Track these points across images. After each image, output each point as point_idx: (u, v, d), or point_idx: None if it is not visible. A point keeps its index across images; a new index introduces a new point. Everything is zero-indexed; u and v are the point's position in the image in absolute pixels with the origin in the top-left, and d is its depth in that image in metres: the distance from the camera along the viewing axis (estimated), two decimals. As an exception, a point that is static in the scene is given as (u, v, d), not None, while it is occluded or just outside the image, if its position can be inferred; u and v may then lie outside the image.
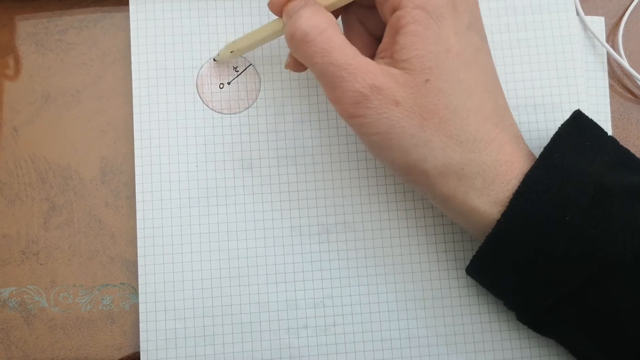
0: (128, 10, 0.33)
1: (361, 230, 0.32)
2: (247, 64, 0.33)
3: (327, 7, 0.27)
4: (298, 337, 0.31)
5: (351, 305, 0.31)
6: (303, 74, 0.33)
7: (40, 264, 0.31)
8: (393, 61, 0.25)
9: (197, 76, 0.32)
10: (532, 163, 0.26)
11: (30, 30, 0.33)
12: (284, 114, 0.32)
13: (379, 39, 0.27)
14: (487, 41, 0.28)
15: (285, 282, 0.31)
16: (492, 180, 0.25)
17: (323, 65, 0.25)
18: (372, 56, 0.27)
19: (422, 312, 0.31)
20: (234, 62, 0.33)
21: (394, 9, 0.25)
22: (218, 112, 0.32)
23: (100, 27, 0.33)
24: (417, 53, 0.24)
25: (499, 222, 0.25)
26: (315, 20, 0.25)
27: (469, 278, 0.31)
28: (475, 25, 0.26)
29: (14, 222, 0.32)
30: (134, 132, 0.32)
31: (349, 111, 0.25)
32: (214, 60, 0.32)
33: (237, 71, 0.33)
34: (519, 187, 0.25)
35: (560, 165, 0.25)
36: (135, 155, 0.32)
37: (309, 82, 0.33)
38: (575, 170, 0.25)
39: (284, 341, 0.31)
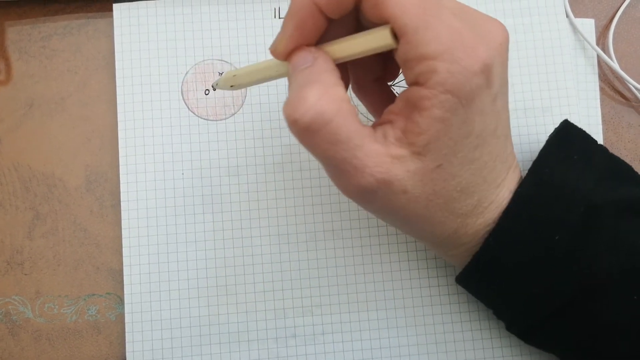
0: (112, 16, 0.32)
1: (349, 238, 0.31)
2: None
3: (337, 60, 0.23)
4: (287, 346, 0.30)
5: (340, 313, 0.31)
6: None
7: (25, 274, 0.31)
8: (406, 142, 0.22)
9: (182, 82, 0.32)
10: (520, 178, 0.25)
11: (13, 37, 0.33)
12: (270, 120, 0.32)
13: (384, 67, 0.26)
14: (507, 85, 0.25)
15: (273, 291, 0.31)
16: (485, 207, 0.25)
17: (327, 158, 0.22)
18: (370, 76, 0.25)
19: (411, 319, 0.31)
20: (219, 67, 0.32)
21: (416, 82, 0.22)
22: (204, 119, 0.32)
23: (85, 33, 0.33)
24: (436, 141, 0.22)
25: (487, 240, 0.25)
26: (322, 106, 0.21)
27: (459, 287, 0.30)
28: (502, 87, 0.24)
29: (-2, 231, 0.31)
30: (119, 140, 0.31)
31: (353, 198, 0.24)
32: (213, 88, 0.31)
33: (223, 77, 0.32)
34: (508, 205, 0.24)
35: (550, 181, 0.25)
36: (120, 163, 0.31)
37: (296, 88, 0.32)
38: (566, 187, 0.25)
39: (273, 350, 0.30)
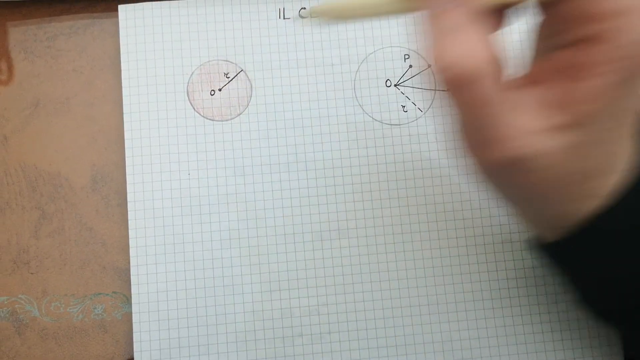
0: (117, 16, 0.32)
1: (355, 237, 0.31)
2: (239, 70, 0.32)
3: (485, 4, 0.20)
4: (293, 346, 0.30)
5: (346, 312, 0.31)
6: (295, 77, 0.32)
7: (31, 273, 0.31)
8: (565, 111, 0.19)
9: (188, 83, 0.32)
10: None
11: (19, 37, 0.33)
12: (275, 120, 0.32)
13: None
14: None
15: (280, 290, 0.31)
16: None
17: (470, 118, 0.20)
18: None
19: (417, 318, 0.31)
20: (224, 68, 0.32)
21: (586, 40, 0.19)
22: (209, 119, 0.32)
23: (90, 33, 0.33)
24: (602, 112, 0.19)
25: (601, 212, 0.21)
26: (472, 61, 0.19)
27: (464, 284, 0.31)
28: None
29: (4, 231, 0.31)
30: (125, 140, 0.31)
31: (486, 170, 0.22)
32: (300, 15, 0.26)
33: (228, 77, 0.32)
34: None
35: None
36: (126, 163, 0.31)
37: (300, 88, 0.32)
38: None
39: (279, 350, 0.30)
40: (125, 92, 0.32)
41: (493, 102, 0.19)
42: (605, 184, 0.21)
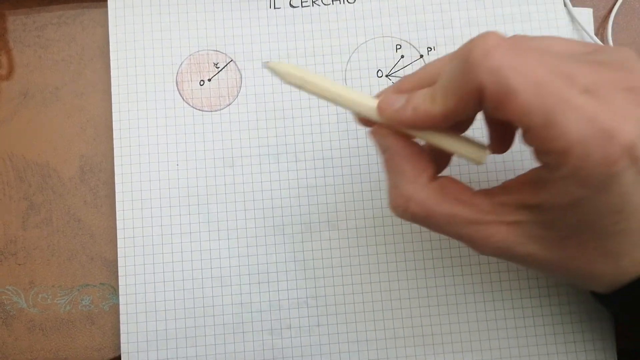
0: (107, 6, 0.32)
1: (345, 229, 0.31)
2: (228, 60, 0.32)
3: (432, 145, 0.23)
4: (282, 338, 0.30)
5: (335, 305, 0.30)
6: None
7: (19, 264, 0.31)
8: (528, 210, 0.22)
9: (177, 73, 0.32)
10: None
11: (8, 26, 0.33)
12: (265, 110, 0.32)
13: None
14: None
15: (269, 282, 0.31)
16: None
17: (447, 234, 0.23)
18: None
19: (407, 311, 0.30)
20: (214, 58, 0.32)
21: (543, 165, 0.21)
22: (198, 109, 0.32)
23: (79, 23, 0.33)
24: (560, 220, 0.21)
25: None
26: (419, 202, 0.23)
27: (454, 277, 0.30)
28: None
29: (-8, 222, 0.31)
30: (114, 130, 0.31)
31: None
32: (266, 65, 0.26)
33: (218, 67, 0.32)
34: None
35: None
36: (114, 154, 0.31)
37: (291, 78, 0.32)
38: None
39: (268, 342, 0.30)
40: (114, 82, 0.32)
41: (455, 218, 0.22)
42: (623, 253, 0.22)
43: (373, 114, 0.23)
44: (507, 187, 0.23)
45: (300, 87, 0.23)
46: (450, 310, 0.30)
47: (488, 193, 0.23)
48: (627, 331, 0.26)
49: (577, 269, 0.23)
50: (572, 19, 0.33)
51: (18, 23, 0.33)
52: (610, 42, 0.33)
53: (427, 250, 0.31)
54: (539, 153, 0.20)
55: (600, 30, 0.34)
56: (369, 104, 0.23)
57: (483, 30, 0.32)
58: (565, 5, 0.32)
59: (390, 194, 0.23)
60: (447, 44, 0.32)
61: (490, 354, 0.30)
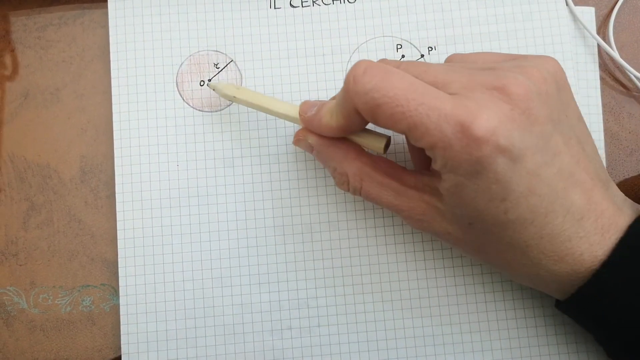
0: (107, 7, 0.32)
1: (345, 229, 0.31)
2: (228, 61, 0.32)
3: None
4: (282, 339, 0.30)
5: (335, 305, 0.30)
6: (285, 67, 0.32)
7: (20, 265, 0.31)
8: (440, 197, 0.25)
9: (177, 73, 0.32)
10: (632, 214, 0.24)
11: (8, 27, 0.33)
12: (265, 110, 0.32)
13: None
14: (584, 123, 0.25)
15: (269, 283, 0.30)
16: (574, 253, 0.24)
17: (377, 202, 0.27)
18: None
19: (408, 312, 0.30)
20: (214, 58, 0.32)
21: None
22: (198, 110, 0.32)
23: (80, 24, 0.33)
24: (458, 206, 0.24)
25: (598, 272, 0.23)
26: (354, 183, 0.27)
27: (455, 277, 0.30)
28: (532, 146, 0.22)
29: (-7, 222, 0.31)
30: (114, 131, 0.31)
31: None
32: (207, 85, 0.32)
33: (218, 68, 0.32)
34: (622, 237, 0.23)
35: None
36: (115, 154, 0.31)
37: (291, 79, 0.32)
38: None
39: (268, 343, 0.30)
40: (114, 82, 0.32)
41: (388, 196, 0.26)
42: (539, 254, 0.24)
43: (297, 120, 0.28)
44: (429, 171, 0.25)
45: (233, 100, 0.29)
46: (451, 311, 0.30)
47: (415, 172, 0.26)
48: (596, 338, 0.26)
49: (488, 255, 0.25)
50: (574, 17, 0.32)
51: (19, 24, 0.33)
52: (612, 41, 0.33)
53: (427, 250, 0.31)
54: (420, 151, 0.24)
55: (601, 28, 0.33)
56: (293, 112, 0.28)
57: (484, 29, 0.32)
58: (567, 4, 0.32)
59: (333, 177, 0.28)
60: (448, 44, 0.32)
61: (491, 355, 0.30)
